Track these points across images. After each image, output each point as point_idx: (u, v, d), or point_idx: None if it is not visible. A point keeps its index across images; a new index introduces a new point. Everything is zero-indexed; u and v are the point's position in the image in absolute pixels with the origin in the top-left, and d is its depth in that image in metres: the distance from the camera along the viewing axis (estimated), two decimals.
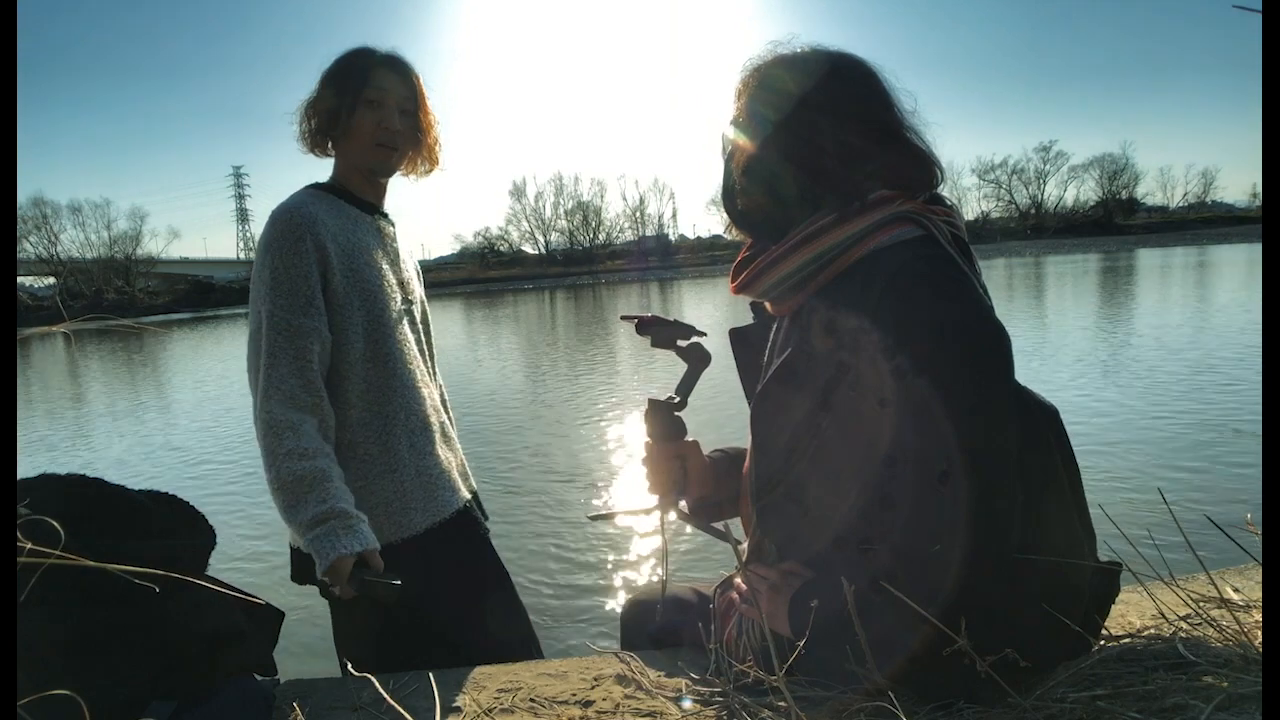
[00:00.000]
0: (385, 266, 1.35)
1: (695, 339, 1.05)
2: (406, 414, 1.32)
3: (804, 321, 0.85)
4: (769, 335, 0.97)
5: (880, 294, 0.76)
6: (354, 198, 1.36)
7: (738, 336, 1.03)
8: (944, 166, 0.88)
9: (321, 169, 1.40)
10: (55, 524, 0.57)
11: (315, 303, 1.22)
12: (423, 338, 1.43)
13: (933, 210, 0.82)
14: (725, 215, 0.96)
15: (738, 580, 0.97)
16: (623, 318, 1.10)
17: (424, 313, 1.45)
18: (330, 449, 1.22)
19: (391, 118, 1.32)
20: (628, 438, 5.85)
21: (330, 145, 1.36)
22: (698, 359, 1.04)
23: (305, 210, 1.25)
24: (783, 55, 0.89)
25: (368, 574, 1.13)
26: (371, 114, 1.30)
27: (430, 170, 1.45)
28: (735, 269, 0.95)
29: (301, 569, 1.36)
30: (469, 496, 1.43)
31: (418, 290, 1.45)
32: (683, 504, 1.04)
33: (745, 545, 0.99)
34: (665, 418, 1.03)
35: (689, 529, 3.57)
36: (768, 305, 0.94)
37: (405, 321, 1.36)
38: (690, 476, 1.03)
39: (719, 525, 1.03)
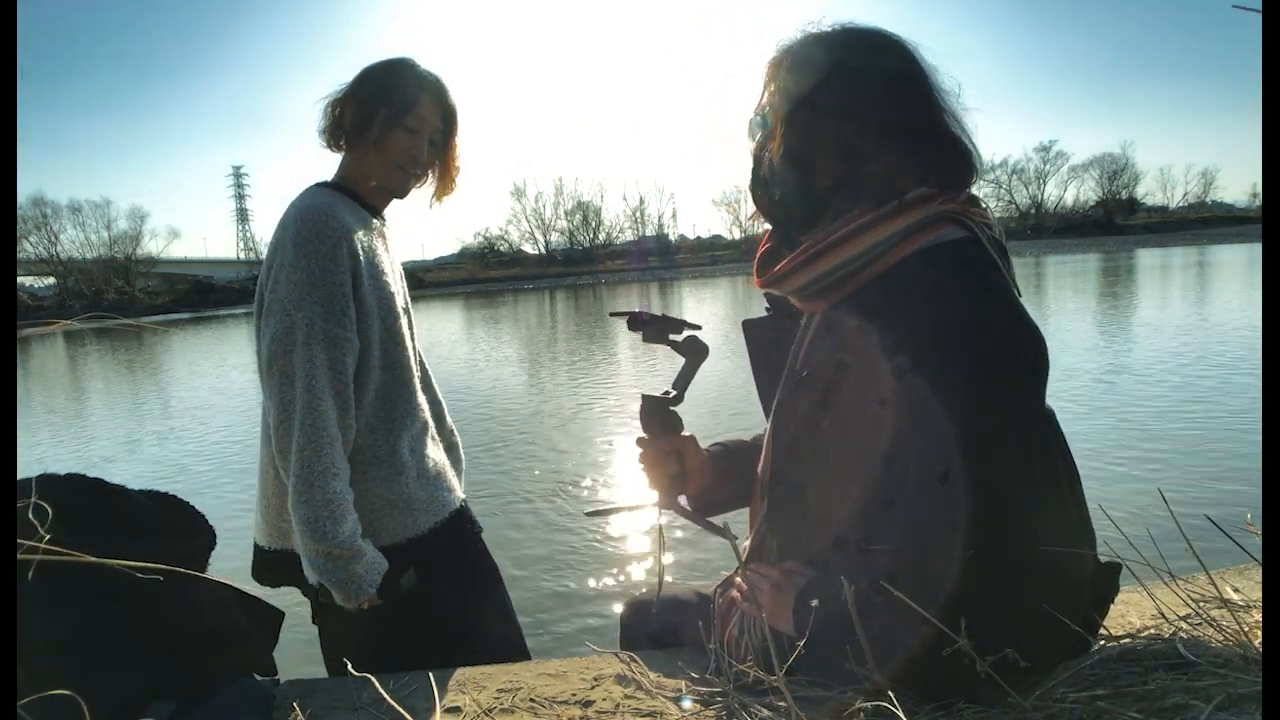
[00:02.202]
0: (391, 274, 1.35)
1: (690, 332, 1.02)
2: (410, 418, 1.32)
3: (839, 324, 0.83)
4: (788, 331, 0.95)
5: (925, 299, 0.75)
6: (362, 201, 1.35)
7: (751, 329, 1.02)
8: (979, 157, 0.84)
9: (323, 166, 1.40)
10: (55, 523, 0.57)
11: (349, 313, 1.21)
12: (415, 344, 1.44)
13: (972, 210, 0.81)
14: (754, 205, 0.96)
15: (738, 579, 0.97)
16: (612, 314, 1.08)
17: (412, 318, 1.46)
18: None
19: (421, 148, 1.33)
20: (627, 435, 5.84)
21: (343, 143, 1.35)
22: (694, 353, 1.01)
23: (340, 216, 1.24)
24: (787, 53, 0.87)
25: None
26: (406, 138, 1.31)
27: (443, 196, 1.45)
28: (759, 263, 0.92)
29: (268, 569, 1.34)
30: (462, 496, 1.44)
31: (408, 295, 1.45)
32: (681, 499, 1.03)
33: (746, 543, 0.99)
34: (660, 413, 1.00)
35: (687, 529, 3.58)
36: (794, 301, 0.91)
37: (405, 325, 1.37)
38: (688, 472, 1.01)
39: (717, 521, 1.02)
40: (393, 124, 1.29)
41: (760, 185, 0.89)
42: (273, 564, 1.34)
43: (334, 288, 1.19)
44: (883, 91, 0.83)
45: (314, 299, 1.18)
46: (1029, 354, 0.76)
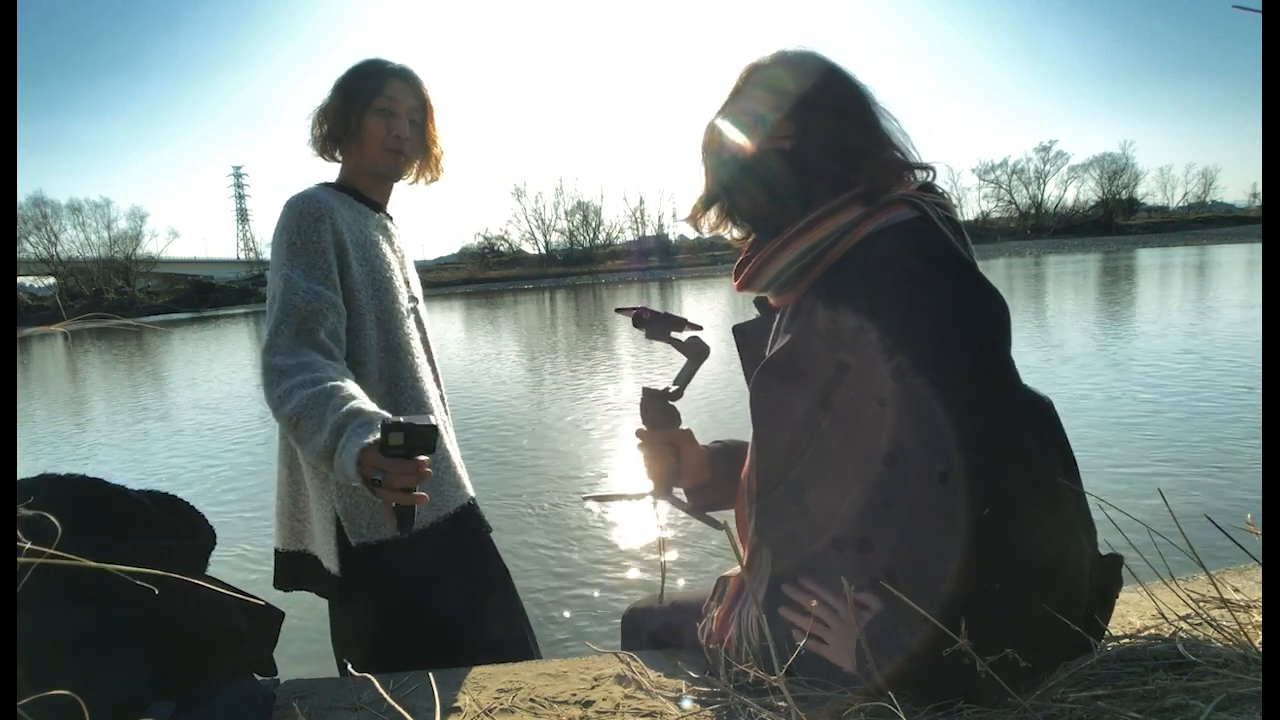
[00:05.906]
0: (393, 262, 1.38)
1: (692, 333, 1.04)
2: (417, 406, 1.33)
3: (805, 312, 0.86)
4: (771, 330, 0.97)
5: (877, 284, 0.77)
6: (362, 196, 1.39)
7: (741, 333, 1.03)
8: (934, 169, 0.90)
9: (323, 165, 1.42)
10: (55, 523, 0.57)
11: (331, 277, 1.24)
12: (425, 337, 1.44)
13: (926, 195, 0.84)
14: (716, 211, 0.97)
15: (735, 576, 0.97)
16: (618, 310, 1.10)
17: (424, 314, 1.47)
18: (348, 377, 1.14)
19: (403, 125, 1.37)
20: (627, 435, 5.84)
21: (338, 152, 1.40)
22: (695, 352, 1.04)
23: (322, 198, 1.28)
24: (781, 55, 0.91)
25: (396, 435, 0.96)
26: (383, 120, 1.35)
27: (433, 180, 1.50)
28: (737, 268, 0.95)
29: (286, 575, 1.36)
30: (472, 494, 1.43)
31: (418, 291, 1.48)
32: (677, 492, 1.05)
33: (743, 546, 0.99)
34: (659, 407, 1.03)
35: (688, 532, 3.58)
36: (771, 299, 0.95)
37: (411, 318, 1.39)
38: (685, 465, 1.03)
39: (712, 514, 1.03)
40: (364, 109, 1.34)
41: (760, 186, 0.90)
42: (289, 566, 1.35)
43: (315, 254, 1.23)
44: (865, 101, 0.89)
45: (294, 262, 1.22)
46: (989, 326, 0.76)
